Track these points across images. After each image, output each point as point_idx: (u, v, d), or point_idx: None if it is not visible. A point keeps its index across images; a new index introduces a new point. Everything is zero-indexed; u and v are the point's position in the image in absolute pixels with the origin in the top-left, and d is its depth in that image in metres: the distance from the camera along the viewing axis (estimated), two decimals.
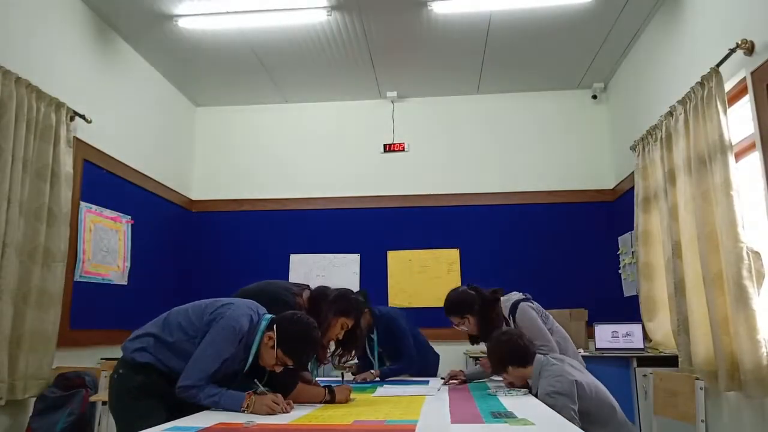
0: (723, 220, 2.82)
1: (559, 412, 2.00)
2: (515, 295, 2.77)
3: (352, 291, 2.55)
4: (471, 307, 2.75)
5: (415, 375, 3.18)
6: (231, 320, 1.93)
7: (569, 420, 1.99)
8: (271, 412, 1.82)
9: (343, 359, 2.74)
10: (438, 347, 3.56)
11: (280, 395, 1.94)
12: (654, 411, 2.86)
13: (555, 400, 2.12)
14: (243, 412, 1.82)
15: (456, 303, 2.78)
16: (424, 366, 3.36)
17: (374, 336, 3.24)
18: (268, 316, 2.05)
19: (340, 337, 2.49)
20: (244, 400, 1.84)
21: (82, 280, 3.75)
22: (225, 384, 1.92)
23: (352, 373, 3.11)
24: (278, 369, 1.98)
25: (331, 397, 2.13)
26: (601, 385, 2.33)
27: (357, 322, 2.51)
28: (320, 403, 2.12)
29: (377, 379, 3.03)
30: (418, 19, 4.10)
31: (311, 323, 2.02)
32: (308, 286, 2.55)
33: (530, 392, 2.34)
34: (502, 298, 2.78)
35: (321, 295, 2.46)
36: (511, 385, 2.48)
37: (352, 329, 2.50)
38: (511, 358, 2.43)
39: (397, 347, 3.19)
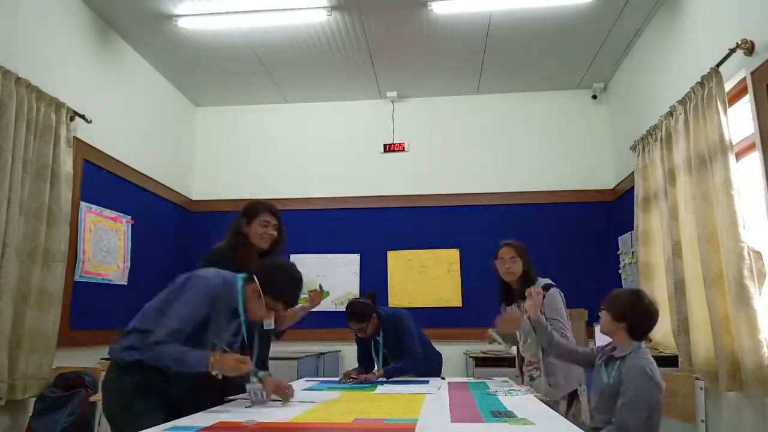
0: (723, 220, 2.82)
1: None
2: (546, 280, 2.87)
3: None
4: (526, 254, 2.87)
5: (419, 375, 3.17)
6: (198, 278, 1.94)
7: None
8: (238, 371, 1.84)
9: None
10: (438, 347, 3.56)
11: (246, 356, 1.95)
12: None
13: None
14: (209, 371, 1.83)
15: (518, 243, 2.90)
16: (429, 366, 3.36)
17: (380, 338, 3.23)
18: (242, 274, 2.05)
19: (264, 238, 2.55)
20: (209, 357, 1.84)
21: (82, 280, 3.75)
22: None
23: (352, 376, 3.07)
24: (270, 319, 1.98)
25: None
26: None
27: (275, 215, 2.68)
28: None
29: (381, 378, 3.02)
30: (418, 19, 4.10)
31: (289, 263, 2.08)
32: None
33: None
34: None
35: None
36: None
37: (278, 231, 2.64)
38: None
39: (402, 347, 3.19)
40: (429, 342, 3.50)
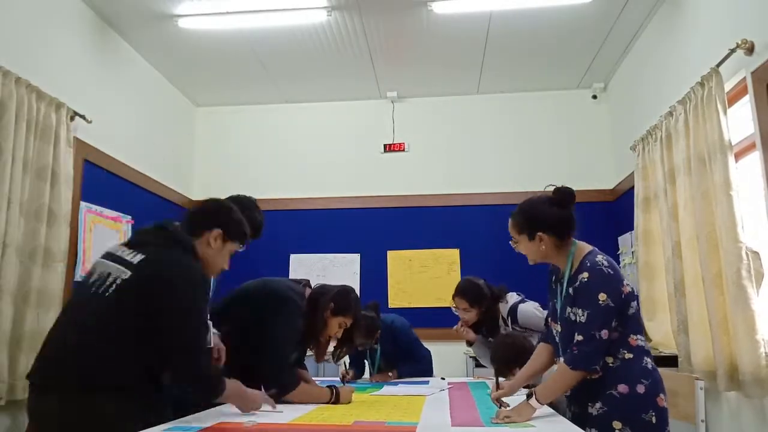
0: (723, 220, 2.82)
1: None
2: (512, 298, 2.80)
3: (352, 289, 2.53)
4: (482, 301, 2.82)
5: (411, 375, 3.18)
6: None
7: None
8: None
9: (339, 354, 2.66)
10: (437, 347, 3.57)
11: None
12: None
13: None
14: None
15: (472, 291, 2.85)
16: (422, 365, 3.37)
17: (377, 347, 3.23)
18: None
19: (339, 335, 2.48)
20: None
21: None
22: None
23: (345, 380, 3.07)
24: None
25: (336, 397, 2.13)
26: None
27: (355, 321, 2.50)
28: (325, 403, 2.12)
29: (394, 379, 3.06)
30: (418, 19, 4.10)
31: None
32: (308, 281, 2.53)
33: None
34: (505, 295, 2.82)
35: (319, 293, 2.45)
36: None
37: (351, 327, 2.48)
38: (515, 359, 2.43)
39: (408, 354, 3.23)
40: (419, 340, 3.52)
